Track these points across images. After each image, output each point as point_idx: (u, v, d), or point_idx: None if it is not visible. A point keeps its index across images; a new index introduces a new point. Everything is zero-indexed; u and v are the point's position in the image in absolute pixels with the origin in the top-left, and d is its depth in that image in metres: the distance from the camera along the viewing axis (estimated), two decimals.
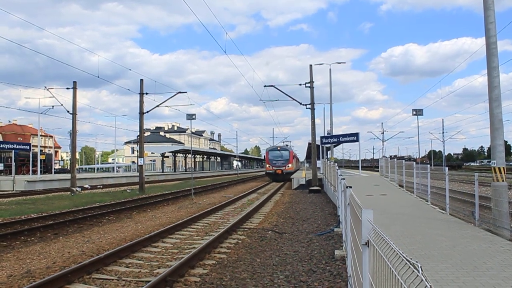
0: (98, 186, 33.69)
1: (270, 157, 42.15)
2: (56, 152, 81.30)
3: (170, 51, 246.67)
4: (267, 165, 42.42)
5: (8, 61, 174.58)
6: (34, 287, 5.96)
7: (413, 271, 1.59)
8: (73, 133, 28.36)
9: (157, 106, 28.86)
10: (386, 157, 44.72)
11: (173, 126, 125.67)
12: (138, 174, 29.17)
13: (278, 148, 43.84)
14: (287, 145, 52.60)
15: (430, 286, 1.37)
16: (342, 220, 8.93)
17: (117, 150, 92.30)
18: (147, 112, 27.90)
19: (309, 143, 38.66)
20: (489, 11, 9.64)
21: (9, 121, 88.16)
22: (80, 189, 27.76)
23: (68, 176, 32.98)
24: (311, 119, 27.92)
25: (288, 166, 40.95)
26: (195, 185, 26.80)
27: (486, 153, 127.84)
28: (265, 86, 28.23)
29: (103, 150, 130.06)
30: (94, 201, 19.62)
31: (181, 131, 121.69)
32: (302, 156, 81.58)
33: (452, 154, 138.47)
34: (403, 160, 21.18)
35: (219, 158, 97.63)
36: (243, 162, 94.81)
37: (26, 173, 45.70)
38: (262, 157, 67.88)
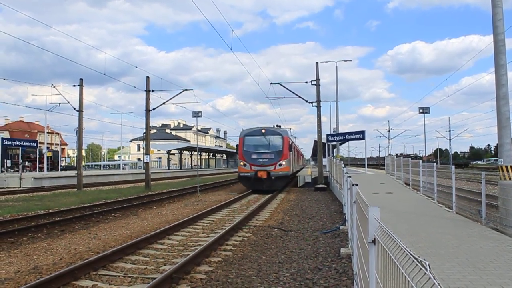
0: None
1: (247, 147, 23.88)
2: (62, 149, 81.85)
3: (177, 49, 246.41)
4: (241, 162, 23.82)
5: (16, 58, 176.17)
6: (41, 283, 6.00)
7: (420, 269, 1.57)
8: (79, 130, 28.51)
9: (163, 103, 29.05)
10: (392, 155, 44.64)
11: (179, 123, 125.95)
12: (144, 171, 29.25)
13: (263, 131, 24.23)
14: (279, 126, 27.96)
15: (438, 284, 1.36)
16: (348, 218, 8.92)
17: (123, 147, 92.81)
18: (153, 109, 28.04)
19: (315, 141, 38.56)
20: (497, 8, 9.57)
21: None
22: None
23: (74, 173, 33.21)
24: (317, 117, 27.83)
25: (279, 165, 23.06)
26: (201, 183, 26.85)
27: (493, 152, 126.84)
28: (271, 83, 28.05)
29: (109, 147, 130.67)
30: (100, 198, 19.74)
31: (187, 128, 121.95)
32: (308, 154, 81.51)
33: (459, 153, 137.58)
34: (409, 158, 21.08)
35: (225, 156, 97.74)
36: None
37: (32, 170, 45.99)
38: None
